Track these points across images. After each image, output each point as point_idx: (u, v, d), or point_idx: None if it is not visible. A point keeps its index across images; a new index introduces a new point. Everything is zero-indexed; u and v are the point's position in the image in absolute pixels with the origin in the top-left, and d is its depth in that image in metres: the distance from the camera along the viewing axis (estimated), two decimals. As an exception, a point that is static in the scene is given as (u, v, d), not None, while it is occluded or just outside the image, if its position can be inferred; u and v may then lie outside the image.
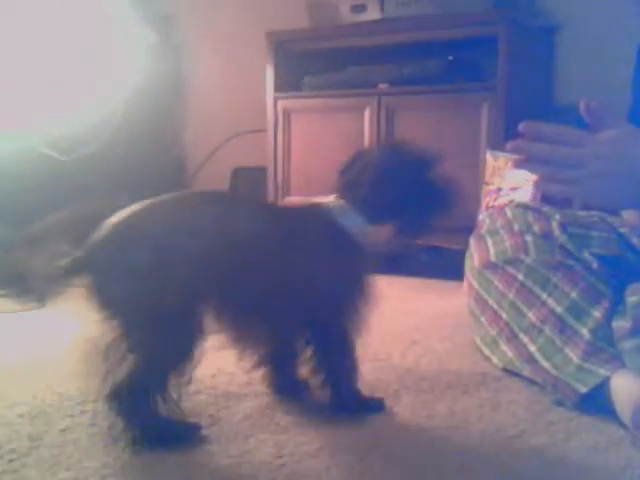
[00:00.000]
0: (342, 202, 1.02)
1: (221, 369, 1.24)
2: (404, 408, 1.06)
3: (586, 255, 1.19)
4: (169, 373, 0.90)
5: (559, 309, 1.12)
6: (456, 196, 1.05)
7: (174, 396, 0.90)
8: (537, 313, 1.15)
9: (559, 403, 1.07)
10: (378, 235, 1.04)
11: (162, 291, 0.86)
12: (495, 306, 1.23)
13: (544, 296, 1.15)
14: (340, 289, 1.00)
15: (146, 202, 0.94)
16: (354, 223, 1.01)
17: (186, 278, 0.88)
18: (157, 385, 0.90)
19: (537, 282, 1.17)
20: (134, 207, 0.93)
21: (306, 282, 0.97)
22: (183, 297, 0.89)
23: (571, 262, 1.17)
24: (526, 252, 1.21)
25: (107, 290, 0.88)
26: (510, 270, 1.22)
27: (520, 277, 1.20)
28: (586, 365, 1.04)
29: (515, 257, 1.22)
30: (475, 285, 1.29)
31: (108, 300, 0.89)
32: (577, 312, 1.10)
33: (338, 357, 1.02)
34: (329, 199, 1.04)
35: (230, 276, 0.92)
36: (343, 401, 1.03)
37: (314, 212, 1.03)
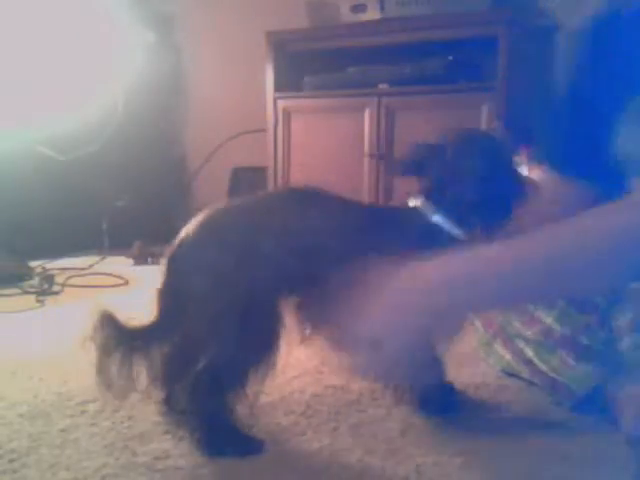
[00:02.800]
0: (432, 206, 0.98)
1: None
2: (404, 408, 1.06)
3: None
4: (247, 372, 0.89)
5: (548, 320, 1.12)
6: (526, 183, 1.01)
7: (245, 404, 0.90)
8: (526, 323, 1.15)
9: (558, 404, 1.07)
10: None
11: (245, 290, 0.86)
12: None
13: (531, 307, 1.15)
14: None
15: (230, 202, 0.94)
16: (448, 226, 0.96)
17: (269, 277, 0.88)
18: (232, 384, 0.88)
19: None
20: (217, 207, 0.93)
21: None
22: (265, 296, 0.89)
23: None
24: None
25: (190, 287, 0.88)
26: None
27: None
28: (583, 367, 1.04)
29: None
30: None
31: (190, 297, 0.88)
32: (566, 320, 1.10)
33: None
34: (418, 202, 0.99)
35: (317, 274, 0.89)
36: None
37: (410, 214, 0.99)
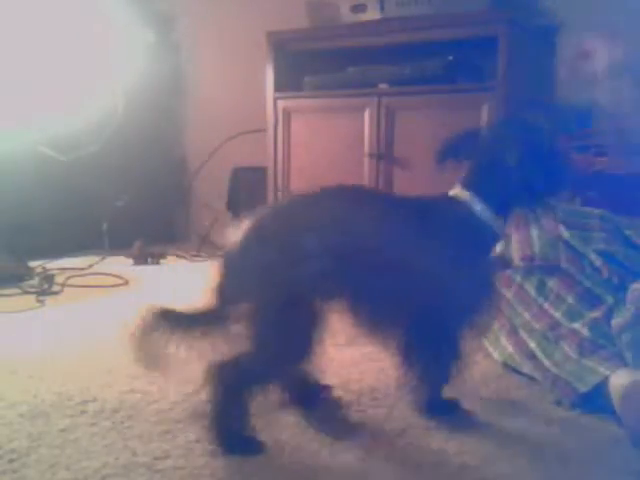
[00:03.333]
0: (471, 194, 0.99)
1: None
2: (404, 408, 1.06)
3: (590, 252, 1.19)
4: (278, 368, 0.93)
5: (557, 314, 1.12)
6: (570, 163, 1.03)
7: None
8: (534, 315, 1.16)
9: (559, 402, 1.07)
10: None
11: (288, 288, 0.89)
12: (501, 302, 1.24)
13: (540, 300, 1.16)
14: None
15: (278, 202, 1.00)
16: (487, 215, 0.98)
17: (312, 276, 0.89)
18: (264, 377, 0.92)
19: (533, 285, 1.18)
20: (267, 207, 0.97)
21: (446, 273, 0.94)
22: (304, 299, 0.91)
23: (567, 265, 1.17)
24: (532, 247, 1.22)
25: (239, 282, 0.92)
26: (508, 271, 1.23)
27: (518, 279, 1.20)
28: (586, 362, 1.04)
29: (517, 263, 1.22)
30: None
31: (238, 292, 0.92)
32: (573, 316, 1.11)
33: (440, 355, 1.02)
34: (458, 191, 1.00)
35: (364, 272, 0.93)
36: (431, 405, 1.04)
37: (451, 205, 1.00)
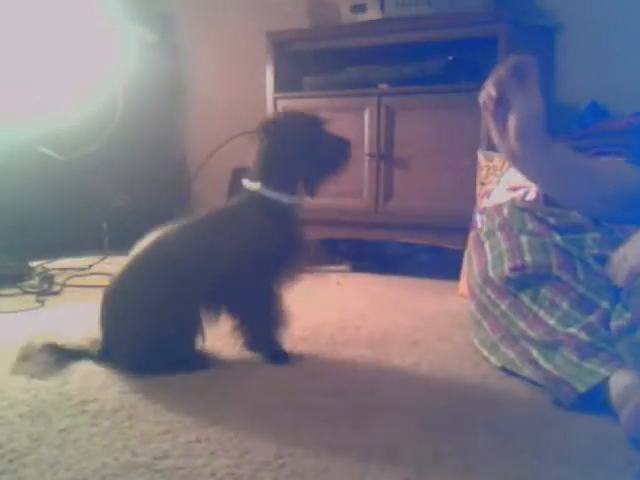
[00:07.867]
0: (259, 184, 1.28)
1: (220, 369, 1.24)
2: (404, 408, 1.06)
3: (585, 256, 1.18)
4: None
5: (552, 321, 1.12)
6: (348, 147, 1.27)
7: None
8: (529, 324, 1.15)
9: (559, 403, 1.07)
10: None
11: None
12: (496, 313, 1.22)
13: (535, 308, 1.15)
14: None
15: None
16: (279, 196, 1.26)
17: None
18: None
19: (528, 295, 1.17)
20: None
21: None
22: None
23: (559, 272, 1.16)
24: (521, 255, 1.20)
25: None
26: (502, 284, 1.21)
27: (512, 290, 1.19)
28: (586, 365, 1.04)
29: (508, 274, 1.20)
30: (476, 291, 1.28)
31: None
32: (568, 321, 1.10)
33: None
34: (252, 186, 1.30)
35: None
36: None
37: (247, 199, 1.30)
